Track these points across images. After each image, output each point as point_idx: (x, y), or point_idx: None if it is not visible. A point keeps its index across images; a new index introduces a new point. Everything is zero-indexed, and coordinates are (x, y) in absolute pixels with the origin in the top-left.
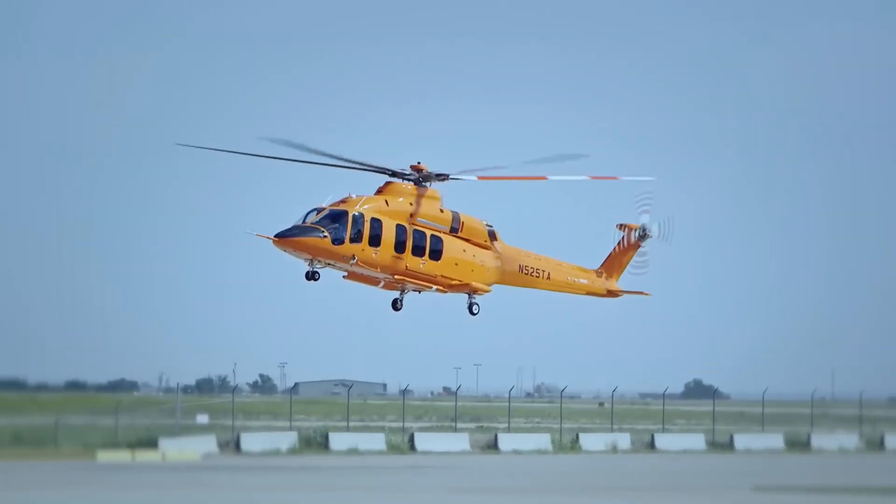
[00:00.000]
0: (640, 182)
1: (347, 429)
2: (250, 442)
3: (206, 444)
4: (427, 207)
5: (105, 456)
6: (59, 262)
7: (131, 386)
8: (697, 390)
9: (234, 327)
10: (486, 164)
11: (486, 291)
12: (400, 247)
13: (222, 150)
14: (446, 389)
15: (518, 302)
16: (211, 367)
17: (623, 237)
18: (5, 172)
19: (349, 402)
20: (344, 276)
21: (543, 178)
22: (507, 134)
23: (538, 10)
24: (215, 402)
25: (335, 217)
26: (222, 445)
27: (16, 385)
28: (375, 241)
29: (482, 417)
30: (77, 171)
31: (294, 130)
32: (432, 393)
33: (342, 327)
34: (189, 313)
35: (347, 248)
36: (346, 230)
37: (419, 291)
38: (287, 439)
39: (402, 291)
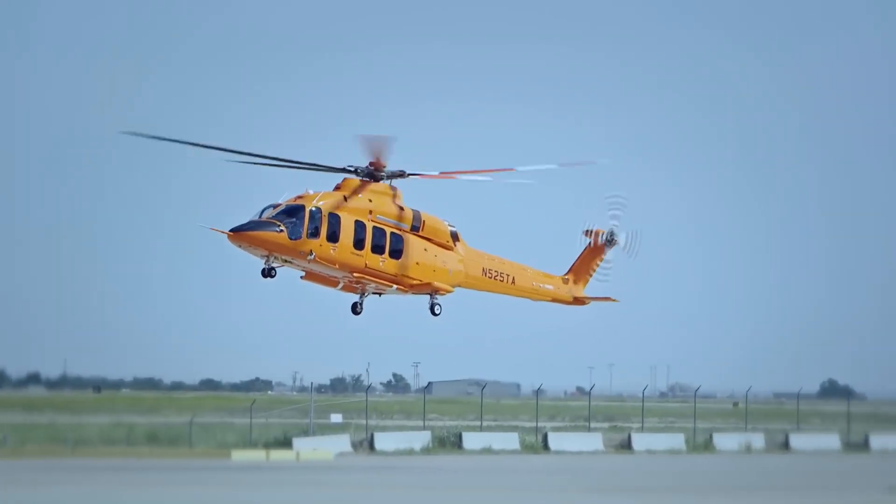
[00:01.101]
0: (612, 165)
1: (481, 428)
2: (384, 441)
3: (339, 444)
4: (387, 205)
5: (239, 455)
6: (184, 265)
7: (265, 385)
8: (832, 390)
9: (368, 326)
10: (450, 163)
11: (449, 292)
12: (359, 244)
13: (171, 140)
14: (580, 389)
15: (650, 301)
16: (345, 366)
17: (590, 243)
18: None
19: (482, 401)
20: (302, 277)
21: (511, 169)
22: (477, 134)
23: (523, 9)
24: (349, 401)
25: (292, 212)
26: (356, 445)
27: (151, 384)
28: (333, 237)
29: (615, 417)
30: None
31: (256, 129)
32: (566, 392)
33: (476, 326)
34: (322, 313)
35: (304, 243)
36: (303, 225)
37: (380, 294)
38: (421, 439)
39: (363, 294)
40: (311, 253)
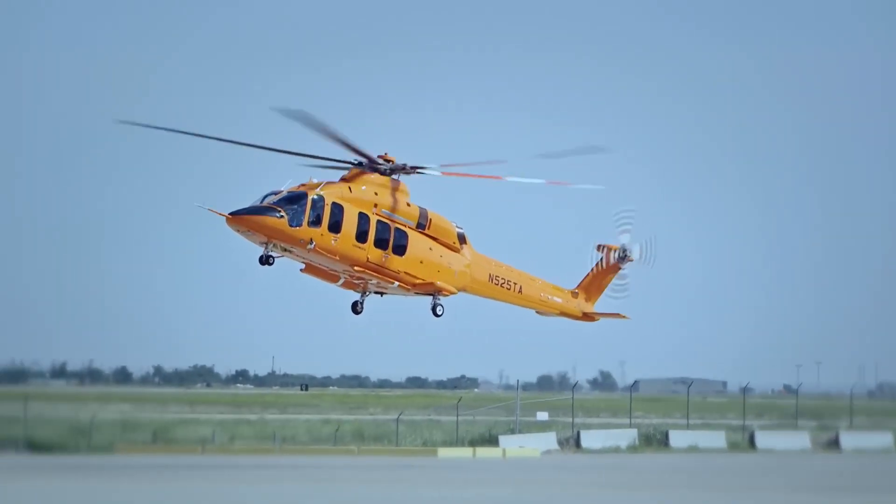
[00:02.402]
0: (591, 190)
1: (687, 426)
2: (590, 439)
3: (546, 442)
4: (393, 199)
5: (446, 453)
6: None
7: (471, 383)
8: None
9: (573, 325)
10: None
11: (452, 293)
12: (362, 237)
13: (167, 129)
14: (786, 387)
15: (856, 299)
16: (551, 364)
17: (602, 258)
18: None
19: (689, 399)
20: (301, 269)
21: (498, 177)
22: (486, 134)
23: (536, 12)
24: (555, 399)
25: (294, 199)
26: (562, 443)
27: (358, 382)
28: (335, 227)
29: (823, 415)
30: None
31: (260, 121)
32: (773, 390)
33: (680, 323)
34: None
35: (305, 231)
36: (304, 213)
37: (381, 294)
38: (627, 437)
39: (364, 293)
40: (311, 242)
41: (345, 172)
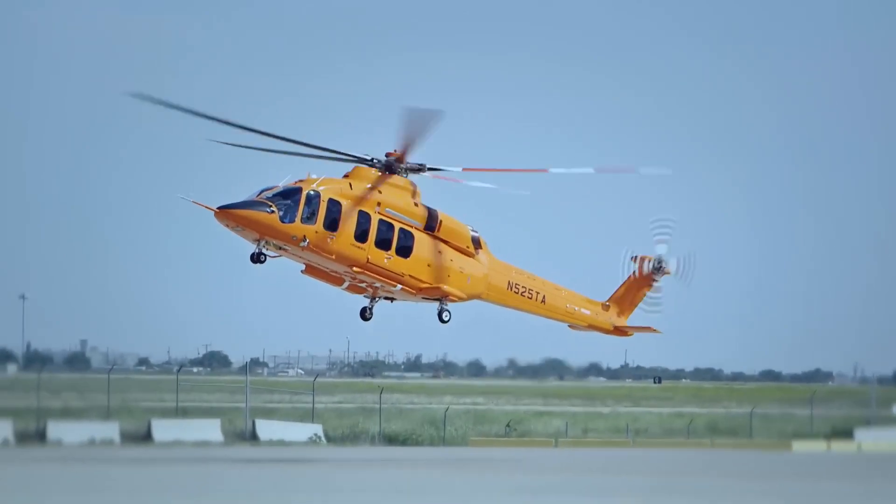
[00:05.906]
0: (656, 175)
1: None
2: None
3: None
4: (398, 198)
5: (800, 446)
6: None
7: (826, 376)
8: None
9: None
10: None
11: (461, 299)
12: (362, 236)
13: (178, 108)
14: None
15: None
16: None
17: (636, 270)
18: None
19: None
20: (302, 270)
21: (544, 170)
22: (499, 134)
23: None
24: None
25: (288, 194)
26: None
27: (712, 375)
28: (332, 225)
29: None
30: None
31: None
32: None
33: None
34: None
35: (298, 227)
36: (297, 208)
37: (391, 300)
38: None
39: (373, 298)
40: (304, 239)
41: (349, 169)
